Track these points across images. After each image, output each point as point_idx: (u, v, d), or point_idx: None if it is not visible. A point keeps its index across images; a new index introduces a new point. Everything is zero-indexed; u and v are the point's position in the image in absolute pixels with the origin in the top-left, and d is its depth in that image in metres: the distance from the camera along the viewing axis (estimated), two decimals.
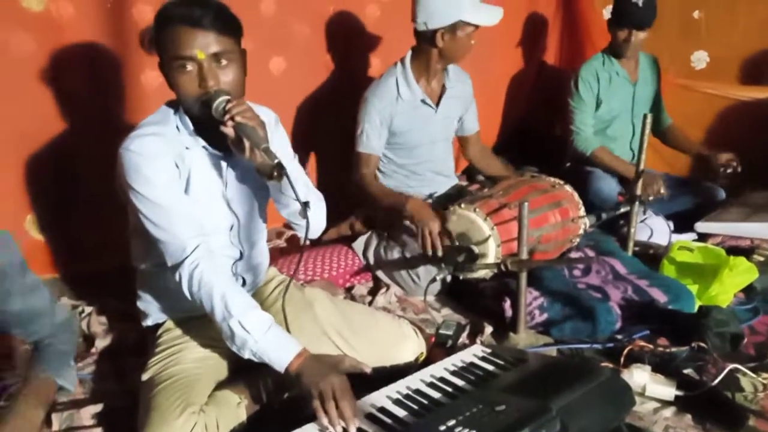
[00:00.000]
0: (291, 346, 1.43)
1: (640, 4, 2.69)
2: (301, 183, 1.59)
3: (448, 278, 2.23)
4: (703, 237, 2.60)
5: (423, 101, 2.42)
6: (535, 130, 3.65)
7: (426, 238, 2.15)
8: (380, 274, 2.40)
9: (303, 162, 1.90)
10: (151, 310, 1.70)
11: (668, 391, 1.66)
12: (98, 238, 2.32)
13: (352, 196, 2.50)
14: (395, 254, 2.35)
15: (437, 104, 2.47)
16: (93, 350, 1.93)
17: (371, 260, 2.43)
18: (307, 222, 1.47)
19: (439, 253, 2.13)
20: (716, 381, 1.65)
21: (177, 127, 1.53)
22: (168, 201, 1.47)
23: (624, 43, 2.80)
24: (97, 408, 1.65)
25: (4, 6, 2.07)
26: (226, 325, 1.42)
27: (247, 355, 1.44)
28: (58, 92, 2.23)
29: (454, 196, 2.53)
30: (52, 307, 1.44)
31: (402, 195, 2.34)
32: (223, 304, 1.42)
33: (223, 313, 1.42)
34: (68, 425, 1.60)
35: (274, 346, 1.42)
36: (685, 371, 1.75)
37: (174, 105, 1.55)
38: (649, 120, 2.26)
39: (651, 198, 2.55)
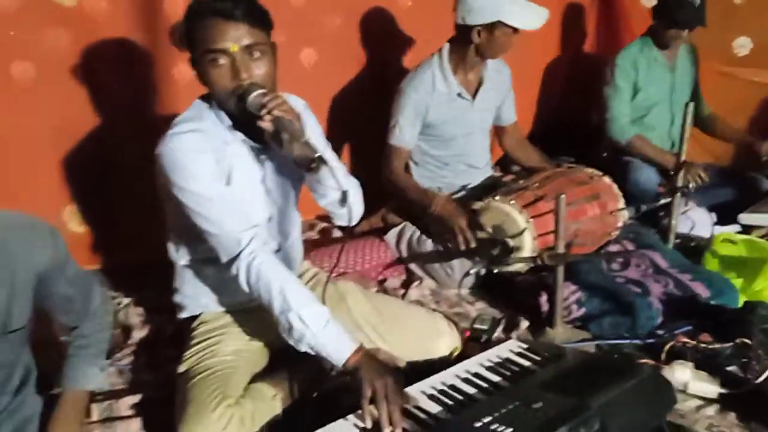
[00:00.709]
0: (349, 341, 1.42)
1: (697, 4, 2.61)
2: (339, 172, 1.58)
3: (483, 271, 2.20)
4: (746, 229, 2.53)
5: (459, 95, 2.39)
6: (571, 119, 3.58)
7: (458, 234, 2.13)
8: (413, 266, 2.38)
9: (335, 152, 1.90)
10: (188, 303, 1.71)
11: (711, 388, 1.62)
12: (135, 231, 2.35)
13: (384, 187, 2.48)
14: (428, 246, 2.33)
15: (474, 97, 2.43)
16: (130, 341, 1.96)
17: (404, 252, 2.41)
18: (349, 210, 1.47)
19: (473, 244, 2.10)
20: (761, 378, 1.61)
21: (213, 123, 1.52)
22: (216, 195, 1.47)
23: (675, 40, 2.74)
24: (135, 398, 1.68)
25: (37, 2, 2.10)
26: (284, 317, 1.41)
27: (304, 348, 1.43)
28: (91, 86, 2.26)
29: (489, 187, 2.49)
30: (87, 294, 1.43)
31: (427, 193, 2.33)
32: (282, 297, 1.41)
33: (281, 305, 1.41)
34: (108, 415, 1.63)
35: (332, 340, 1.41)
36: (729, 368, 1.70)
37: (208, 100, 1.55)
38: (690, 109, 2.19)
39: (692, 185, 2.48)
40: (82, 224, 2.38)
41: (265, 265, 1.44)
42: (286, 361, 1.51)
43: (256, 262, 1.44)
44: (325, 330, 1.41)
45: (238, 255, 1.45)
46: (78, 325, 1.44)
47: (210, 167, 1.47)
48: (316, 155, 1.38)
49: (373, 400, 1.34)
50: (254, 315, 1.54)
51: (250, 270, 1.44)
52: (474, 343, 1.85)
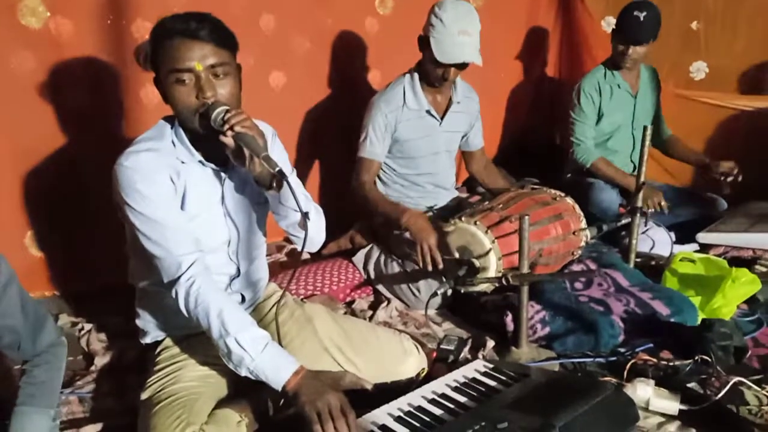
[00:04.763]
0: (288, 364, 1.42)
1: (642, 18, 2.69)
2: (301, 194, 1.58)
3: (449, 292, 2.21)
4: (705, 248, 2.60)
5: (428, 112, 2.42)
6: (535, 142, 3.66)
7: (424, 252, 2.13)
8: (381, 288, 2.39)
9: (303, 176, 1.89)
10: (150, 328, 1.69)
11: (672, 405, 1.64)
12: (98, 255, 2.32)
13: (353, 206, 2.49)
14: (396, 268, 2.34)
15: (442, 117, 2.47)
16: (92, 368, 1.91)
17: (372, 274, 2.42)
18: (306, 231, 1.47)
19: (439, 266, 2.12)
20: (720, 395, 1.65)
21: (173, 142, 1.53)
22: (163, 216, 1.47)
23: (621, 55, 2.81)
24: (97, 427, 1.63)
25: (3, 23, 2.08)
26: (222, 342, 1.41)
27: (244, 372, 1.43)
28: (57, 109, 2.23)
29: (454, 208, 2.53)
30: (36, 328, 1.38)
31: (399, 206, 2.33)
32: (220, 321, 1.41)
33: (219, 330, 1.41)
34: None
35: (270, 364, 1.41)
36: (689, 385, 1.74)
37: (170, 120, 1.55)
38: (649, 132, 2.26)
39: (651, 211, 2.56)
40: (43, 249, 2.33)
41: (203, 290, 1.44)
42: (251, 385, 1.49)
43: (194, 287, 1.44)
44: (263, 354, 1.40)
45: (177, 279, 1.45)
46: (27, 364, 1.38)
47: (162, 188, 1.47)
48: (276, 169, 1.38)
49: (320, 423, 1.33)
50: None
51: (189, 295, 1.44)
52: (441, 363, 1.86)
